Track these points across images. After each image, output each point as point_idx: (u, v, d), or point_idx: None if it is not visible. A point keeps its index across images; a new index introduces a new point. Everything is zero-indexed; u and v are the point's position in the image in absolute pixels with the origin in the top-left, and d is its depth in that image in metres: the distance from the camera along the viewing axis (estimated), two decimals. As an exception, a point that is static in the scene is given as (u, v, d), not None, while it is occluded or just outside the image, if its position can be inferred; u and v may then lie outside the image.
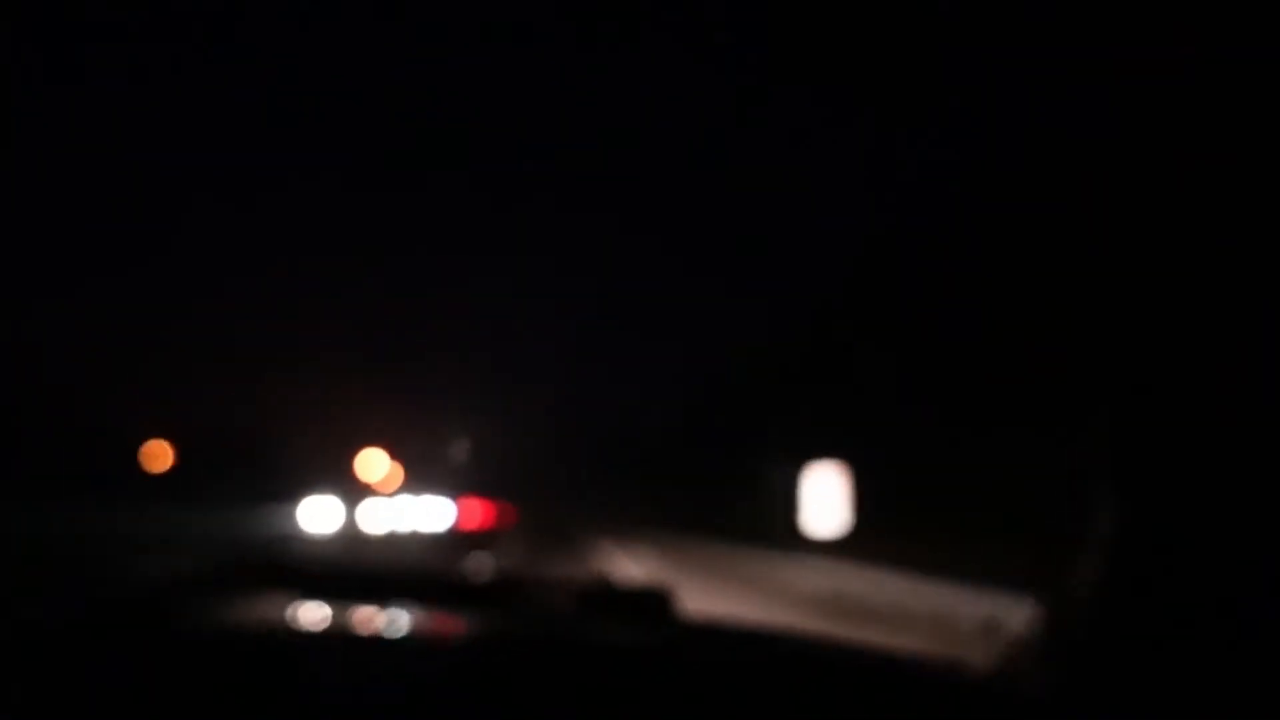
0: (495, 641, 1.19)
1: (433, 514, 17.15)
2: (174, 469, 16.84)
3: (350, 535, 15.85)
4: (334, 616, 1.24)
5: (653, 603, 1.26)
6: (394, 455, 19.91)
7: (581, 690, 1.09)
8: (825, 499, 8.31)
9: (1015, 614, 3.60)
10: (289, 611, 1.25)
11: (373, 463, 19.41)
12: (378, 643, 1.19)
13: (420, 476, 19.10)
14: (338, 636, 1.23)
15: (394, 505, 17.54)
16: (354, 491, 17.33)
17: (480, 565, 9.90)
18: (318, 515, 15.84)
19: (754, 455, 13.57)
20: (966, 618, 4.81)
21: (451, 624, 1.32)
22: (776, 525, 10.03)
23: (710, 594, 7.23)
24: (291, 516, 15.42)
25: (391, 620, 1.23)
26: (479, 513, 16.74)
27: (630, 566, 10.00)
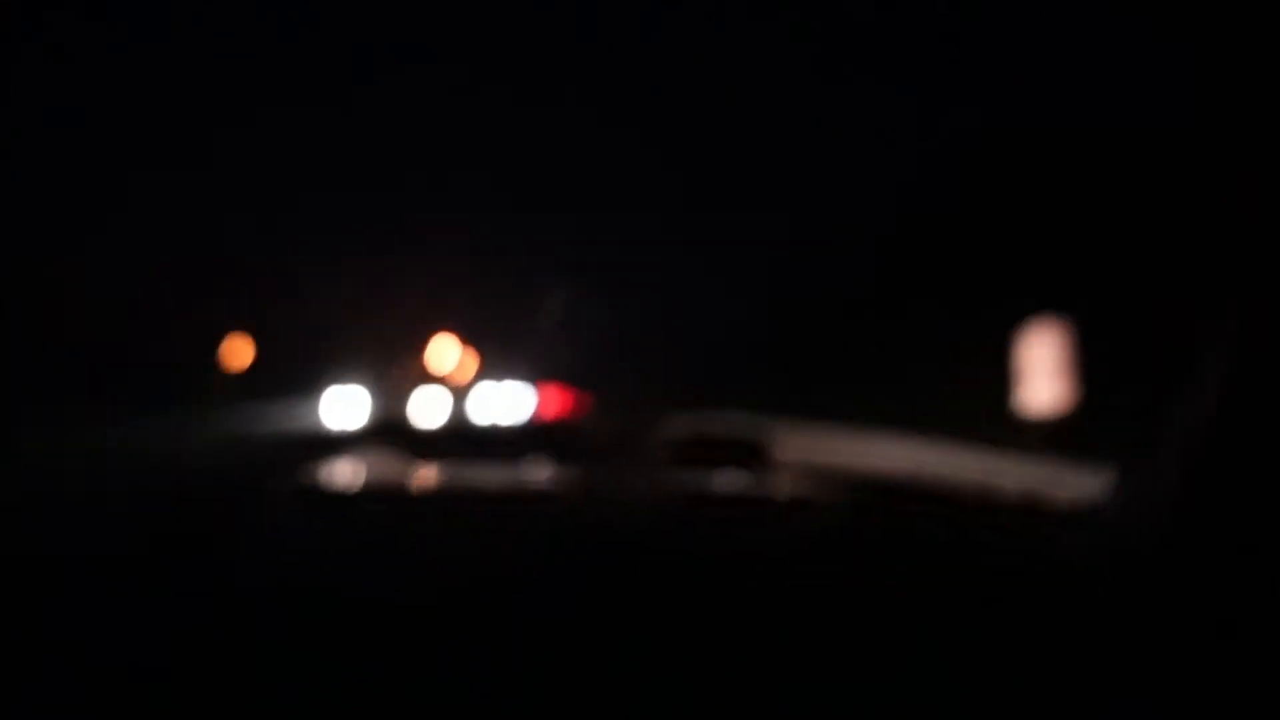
0: (602, 491, 1.24)
1: (512, 402, 17.19)
2: (254, 364, 17.15)
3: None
4: (449, 474, 1.31)
5: (750, 450, 1.28)
6: (469, 343, 19.83)
7: (687, 533, 1.13)
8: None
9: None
10: (411, 471, 1.32)
11: (445, 351, 19.44)
12: (493, 497, 1.25)
13: (498, 364, 18.95)
14: (456, 493, 1.30)
15: (472, 393, 17.55)
16: (424, 381, 17.49)
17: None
18: (347, 407, 14.58)
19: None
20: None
21: (556, 478, 1.38)
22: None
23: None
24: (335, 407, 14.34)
25: (503, 476, 1.29)
26: (560, 401, 16.78)
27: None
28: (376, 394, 15.48)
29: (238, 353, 16.92)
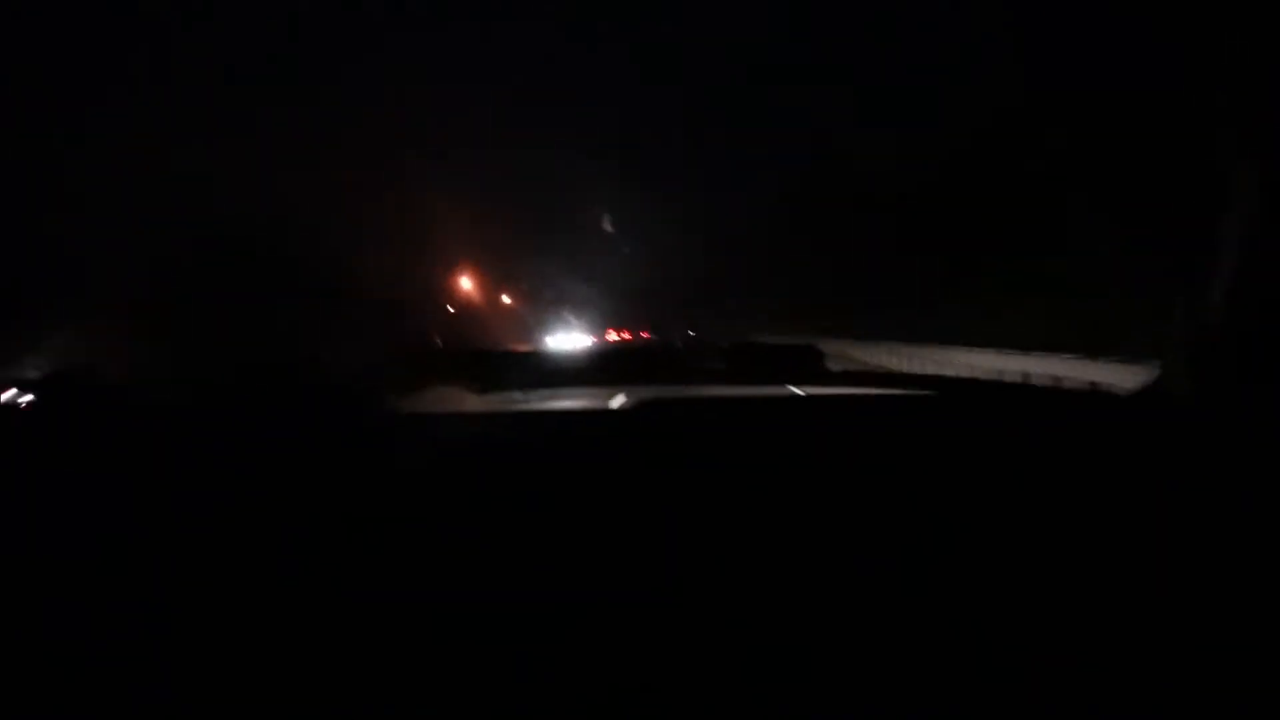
0: (664, 402, 1.28)
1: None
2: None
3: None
4: (510, 402, 1.36)
5: (805, 355, 1.31)
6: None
7: (746, 430, 1.18)
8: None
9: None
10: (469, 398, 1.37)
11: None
12: (558, 415, 1.30)
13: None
14: (520, 417, 1.36)
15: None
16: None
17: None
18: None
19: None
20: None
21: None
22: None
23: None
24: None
25: (568, 396, 1.34)
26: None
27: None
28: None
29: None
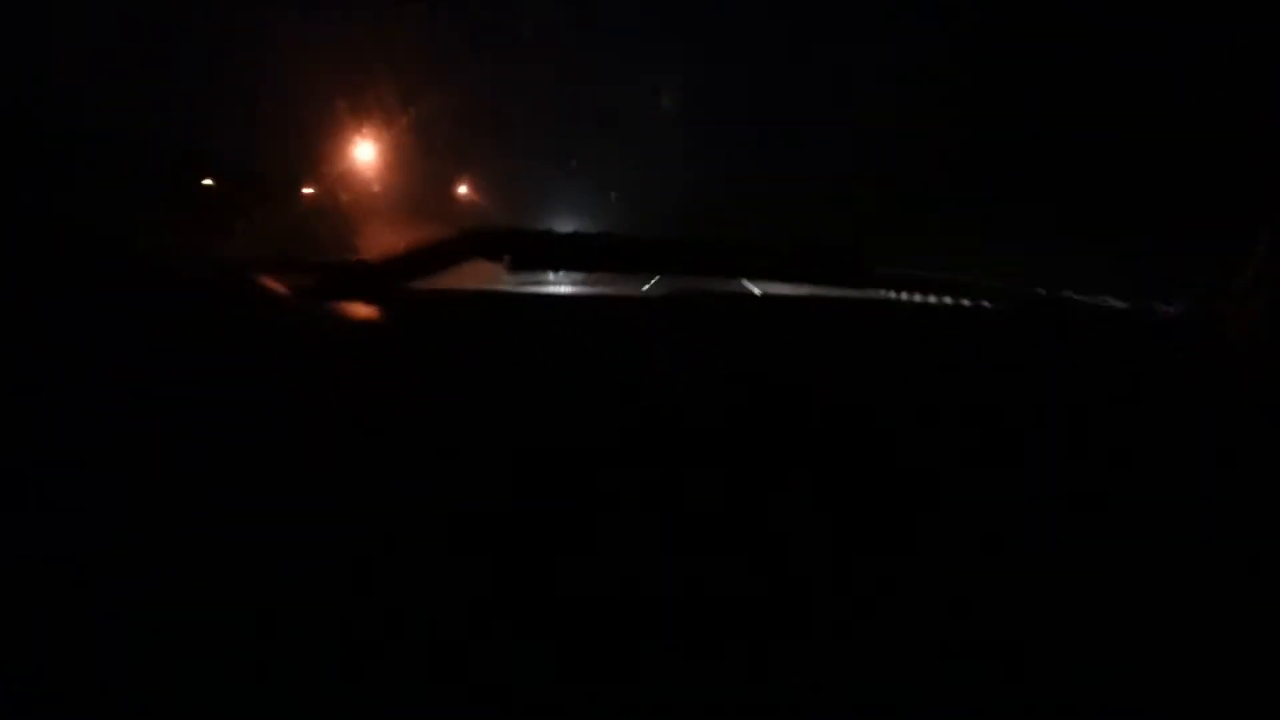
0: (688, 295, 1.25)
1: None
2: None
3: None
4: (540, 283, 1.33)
5: (848, 258, 1.26)
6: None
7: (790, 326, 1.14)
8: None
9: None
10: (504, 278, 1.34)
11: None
12: (589, 300, 1.27)
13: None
14: (548, 299, 1.33)
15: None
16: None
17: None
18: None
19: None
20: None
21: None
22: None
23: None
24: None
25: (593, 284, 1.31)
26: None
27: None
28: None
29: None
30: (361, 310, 1.07)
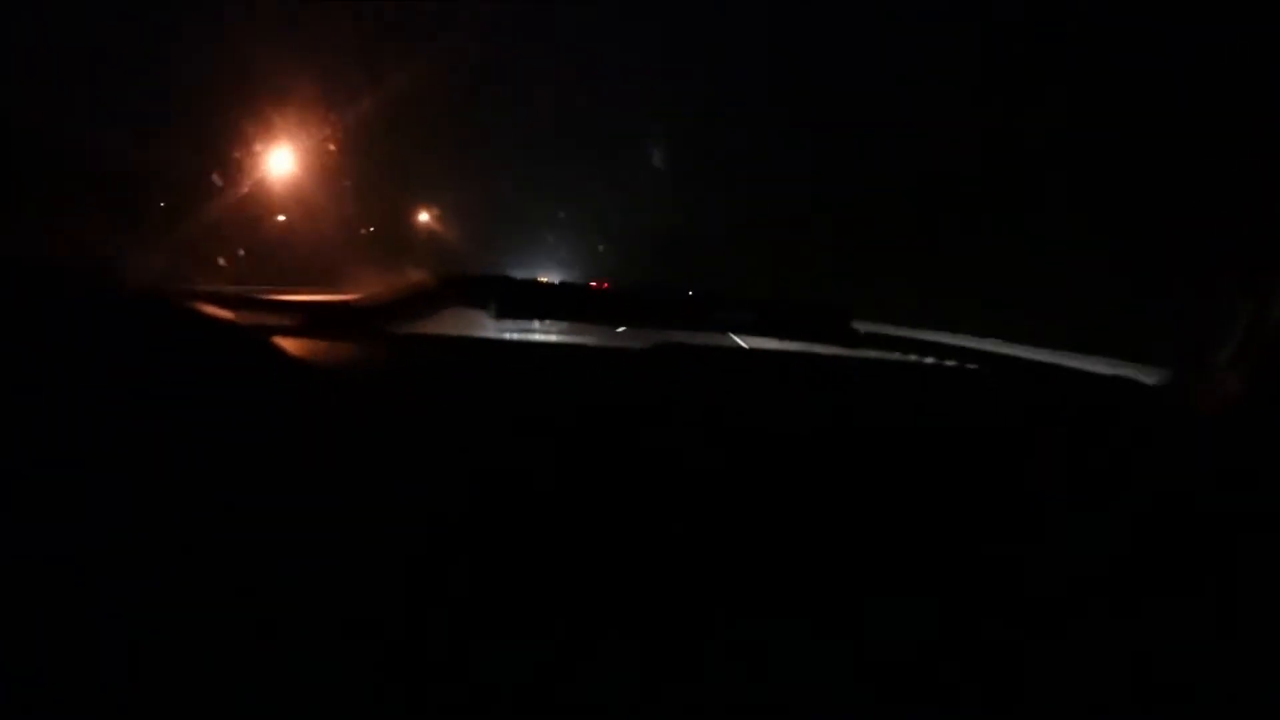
0: (675, 347, 1.24)
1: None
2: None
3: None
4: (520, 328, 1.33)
5: (832, 315, 1.27)
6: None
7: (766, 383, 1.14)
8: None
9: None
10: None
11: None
12: (569, 349, 1.27)
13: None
14: (529, 345, 1.33)
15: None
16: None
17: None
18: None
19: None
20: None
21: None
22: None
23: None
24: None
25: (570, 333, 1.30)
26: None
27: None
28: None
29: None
30: (342, 352, 1.06)
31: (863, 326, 1.28)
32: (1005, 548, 0.79)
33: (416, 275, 1.31)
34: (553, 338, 1.66)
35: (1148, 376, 1.22)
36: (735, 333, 1.41)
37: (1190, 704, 0.69)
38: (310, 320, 1.15)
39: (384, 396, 0.91)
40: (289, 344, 0.99)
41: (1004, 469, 0.90)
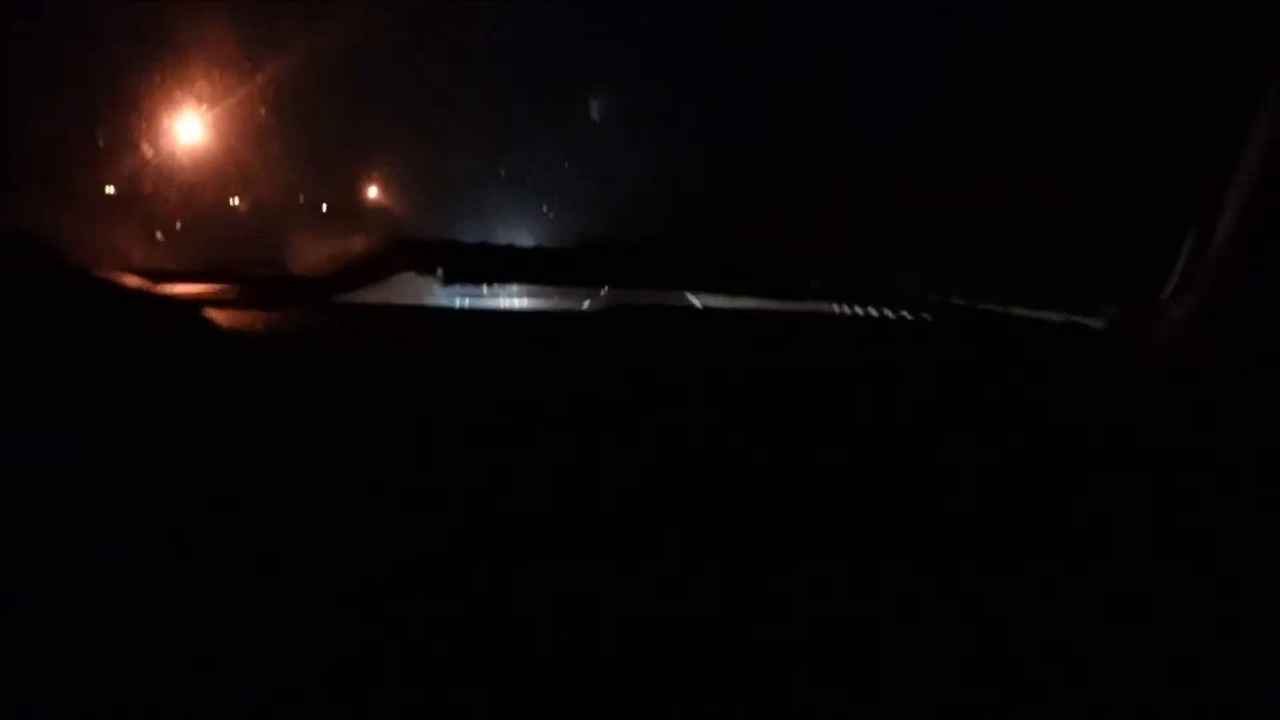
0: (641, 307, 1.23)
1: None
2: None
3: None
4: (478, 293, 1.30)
5: (792, 268, 1.26)
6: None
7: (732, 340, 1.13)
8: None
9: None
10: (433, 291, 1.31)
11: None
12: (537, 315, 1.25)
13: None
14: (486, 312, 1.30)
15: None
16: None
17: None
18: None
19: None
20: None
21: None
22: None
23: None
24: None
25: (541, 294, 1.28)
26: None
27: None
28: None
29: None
30: (286, 324, 1.02)
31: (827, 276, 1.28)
32: (930, 498, 0.78)
33: (360, 242, 1.27)
34: (504, 303, 1.64)
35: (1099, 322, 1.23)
36: (689, 290, 1.41)
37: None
38: (249, 291, 1.11)
39: (327, 370, 0.89)
40: (224, 316, 0.95)
41: (930, 416, 0.89)
